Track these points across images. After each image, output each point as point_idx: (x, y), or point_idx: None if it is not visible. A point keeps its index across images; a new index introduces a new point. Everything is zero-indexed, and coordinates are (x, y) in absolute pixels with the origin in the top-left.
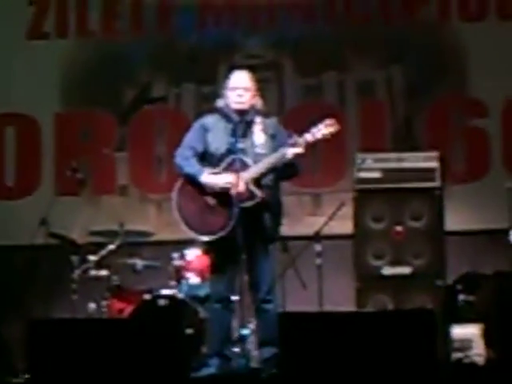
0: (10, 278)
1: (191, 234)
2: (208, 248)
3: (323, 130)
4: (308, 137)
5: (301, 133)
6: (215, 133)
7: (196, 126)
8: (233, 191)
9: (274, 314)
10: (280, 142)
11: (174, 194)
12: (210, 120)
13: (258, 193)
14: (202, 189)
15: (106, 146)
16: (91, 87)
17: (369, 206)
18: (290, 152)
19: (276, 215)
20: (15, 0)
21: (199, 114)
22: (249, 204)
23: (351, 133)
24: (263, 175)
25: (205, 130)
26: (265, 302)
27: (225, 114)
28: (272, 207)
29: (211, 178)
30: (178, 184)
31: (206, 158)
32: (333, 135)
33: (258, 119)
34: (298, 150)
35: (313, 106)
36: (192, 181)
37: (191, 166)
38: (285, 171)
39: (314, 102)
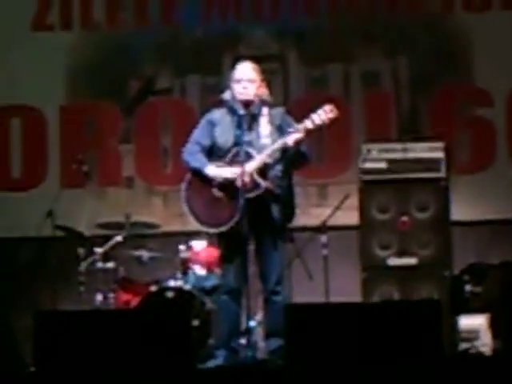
0: (17, 270)
1: (199, 227)
2: (216, 240)
3: (322, 116)
4: (308, 123)
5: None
6: (222, 127)
7: (203, 121)
8: (238, 182)
9: (281, 305)
10: (287, 132)
11: (183, 187)
12: (216, 114)
13: (263, 183)
14: (208, 182)
15: (112, 137)
16: (96, 79)
17: (374, 196)
18: (290, 140)
19: (285, 206)
20: None
21: (205, 106)
22: (254, 194)
23: (356, 124)
24: (268, 166)
25: (212, 125)
26: (273, 293)
27: (231, 107)
28: (280, 198)
29: (215, 169)
30: (186, 179)
31: (215, 152)
32: (336, 124)
33: (265, 110)
34: (297, 136)
35: (318, 97)
36: (198, 174)
37: (196, 160)
38: (293, 161)
39: (319, 93)
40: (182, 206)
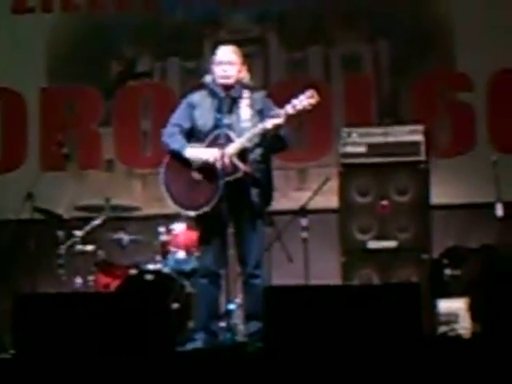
0: None
1: (178, 210)
2: (195, 223)
3: (304, 101)
4: (288, 108)
5: (284, 106)
6: (202, 109)
7: (183, 103)
8: (217, 165)
9: (260, 288)
10: (267, 116)
11: (162, 170)
12: (196, 97)
13: (242, 166)
14: (187, 164)
15: (92, 120)
16: (76, 61)
17: (354, 180)
18: (269, 124)
19: (264, 190)
20: None
21: (185, 90)
22: (233, 177)
23: (337, 107)
24: (247, 149)
25: (191, 107)
26: (252, 276)
27: (211, 90)
28: (259, 182)
29: (195, 152)
30: (166, 160)
31: (195, 135)
32: (316, 108)
33: (246, 94)
34: (277, 121)
35: (298, 81)
36: (177, 156)
37: (176, 141)
38: (272, 145)
39: (299, 77)
40: (160, 189)
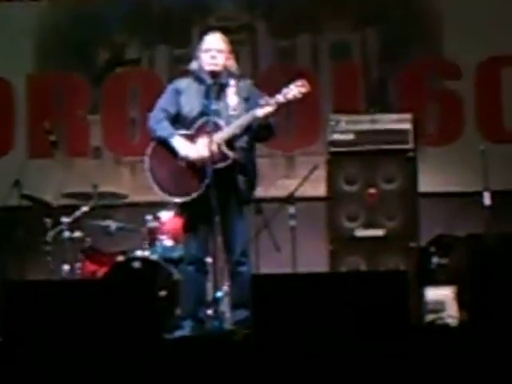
0: None
1: (164, 197)
2: (181, 210)
3: (294, 90)
4: (279, 97)
5: (273, 94)
6: (188, 95)
7: (169, 88)
8: (205, 154)
9: (247, 276)
10: (254, 104)
11: (146, 158)
12: (183, 83)
13: (230, 154)
14: (174, 151)
15: (80, 107)
16: (64, 49)
17: (342, 168)
18: (260, 112)
19: (250, 178)
20: None
21: (173, 77)
22: (221, 165)
23: (325, 95)
24: (235, 137)
25: (178, 92)
26: (239, 264)
27: (198, 77)
28: (246, 169)
29: (182, 144)
30: (150, 147)
31: (180, 121)
32: (305, 97)
33: (232, 82)
34: (268, 110)
35: (286, 68)
36: (164, 144)
37: (164, 128)
38: (259, 133)
39: (288, 64)
40: (146, 175)
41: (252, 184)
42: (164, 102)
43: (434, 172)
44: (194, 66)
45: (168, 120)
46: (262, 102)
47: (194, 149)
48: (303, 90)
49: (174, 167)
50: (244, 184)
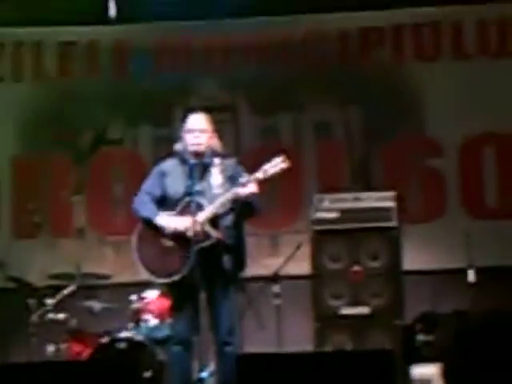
0: None
1: (151, 278)
2: (167, 290)
3: (274, 166)
4: (259, 175)
5: (255, 172)
6: (173, 177)
7: (154, 171)
8: (189, 233)
9: (233, 356)
10: (238, 183)
11: (134, 237)
12: (167, 164)
13: (214, 233)
14: (159, 231)
15: (63, 188)
16: (47, 129)
17: (326, 246)
18: (241, 191)
19: (237, 256)
20: None
21: (156, 157)
22: (205, 245)
23: (308, 173)
24: (218, 215)
25: (162, 174)
26: (225, 344)
27: (182, 158)
28: (232, 248)
29: (166, 219)
30: (138, 228)
31: (166, 203)
32: (287, 174)
33: (217, 161)
34: (249, 189)
35: (269, 147)
36: (148, 224)
37: (147, 209)
38: (242, 211)
39: (271, 143)
40: (133, 256)
41: (240, 263)
42: (149, 184)
43: (417, 249)
44: (178, 146)
45: (153, 202)
46: (242, 179)
47: (179, 221)
48: (283, 165)
49: (159, 248)
50: (229, 263)
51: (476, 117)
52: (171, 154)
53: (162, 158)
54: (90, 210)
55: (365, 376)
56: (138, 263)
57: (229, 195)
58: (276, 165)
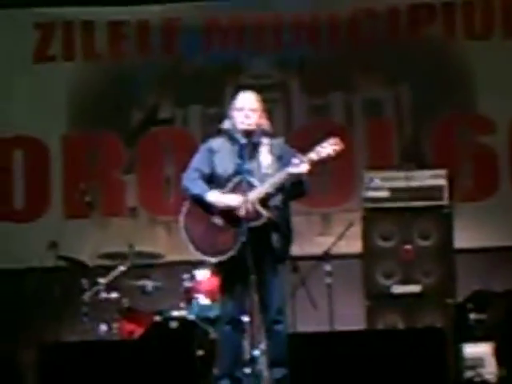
0: (21, 302)
1: (200, 256)
2: (217, 269)
3: (327, 148)
4: (312, 156)
5: (306, 152)
6: (222, 155)
7: (202, 149)
8: (241, 211)
9: (284, 334)
10: (287, 163)
11: (182, 218)
12: (216, 142)
13: (265, 213)
14: (208, 209)
15: (115, 167)
16: (98, 109)
17: (377, 225)
18: (294, 171)
19: (285, 236)
20: (21, 23)
21: (206, 136)
22: (256, 224)
23: (359, 152)
24: (269, 195)
25: (211, 152)
26: (275, 322)
27: (231, 136)
28: (281, 228)
29: (217, 196)
30: (185, 207)
31: (214, 181)
32: (338, 154)
33: (265, 140)
34: (302, 168)
35: (320, 126)
36: (199, 201)
37: (197, 186)
38: (292, 191)
39: (321, 122)
40: (181, 235)
41: (287, 242)
42: (197, 162)
43: (469, 227)
44: (227, 125)
45: (202, 179)
46: (295, 160)
47: (231, 198)
48: (336, 147)
49: (208, 226)
50: (278, 242)
51: None
52: (219, 132)
53: (210, 136)
54: (141, 189)
55: (416, 354)
56: (186, 242)
57: (282, 175)
58: (330, 147)
